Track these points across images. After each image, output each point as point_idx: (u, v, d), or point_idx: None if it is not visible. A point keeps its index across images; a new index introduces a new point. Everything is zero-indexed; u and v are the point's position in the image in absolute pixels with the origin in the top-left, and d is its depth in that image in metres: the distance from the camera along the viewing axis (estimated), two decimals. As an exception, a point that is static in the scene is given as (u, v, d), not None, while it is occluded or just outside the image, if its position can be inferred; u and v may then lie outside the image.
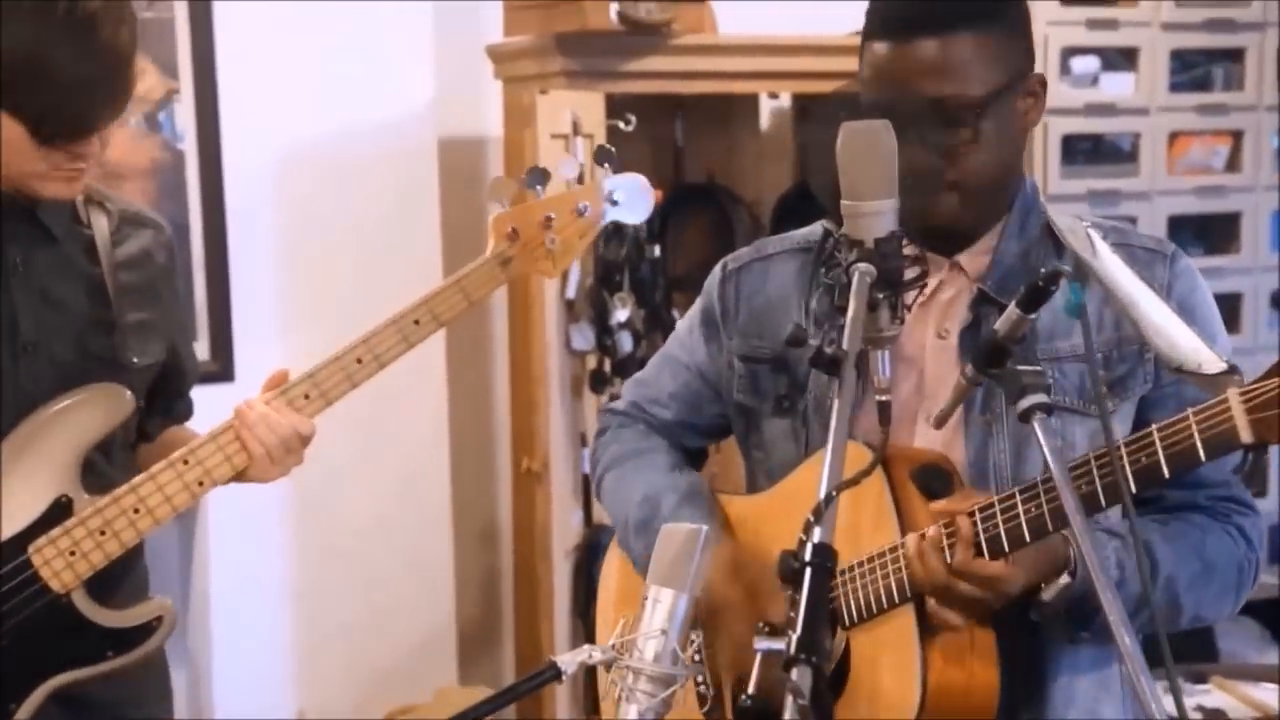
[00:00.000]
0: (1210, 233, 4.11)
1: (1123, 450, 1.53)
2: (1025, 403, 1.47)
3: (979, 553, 1.62)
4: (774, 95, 3.98)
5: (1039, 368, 1.50)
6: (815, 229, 1.92)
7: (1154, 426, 1.54)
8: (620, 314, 3.42)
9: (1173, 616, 1.73)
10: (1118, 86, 3.97)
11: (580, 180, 2.16)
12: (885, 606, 1.69)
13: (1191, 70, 4.05)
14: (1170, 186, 3.98)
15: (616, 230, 3.36)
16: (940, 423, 1.65)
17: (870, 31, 1.74)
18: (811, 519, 1.33)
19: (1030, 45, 1.77)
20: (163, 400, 2.19)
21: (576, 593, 3.52)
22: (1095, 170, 3.97)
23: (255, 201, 3.49)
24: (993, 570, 1.62)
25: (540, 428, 3.44)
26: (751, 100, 3.94)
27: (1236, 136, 4.06)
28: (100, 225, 2.07)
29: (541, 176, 2.17)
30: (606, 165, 2.19)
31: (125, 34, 1.88)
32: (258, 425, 2.02)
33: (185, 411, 2.26)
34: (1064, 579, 1.64)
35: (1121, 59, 3.97)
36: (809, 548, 1.31)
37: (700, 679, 1.82)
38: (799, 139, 3.99)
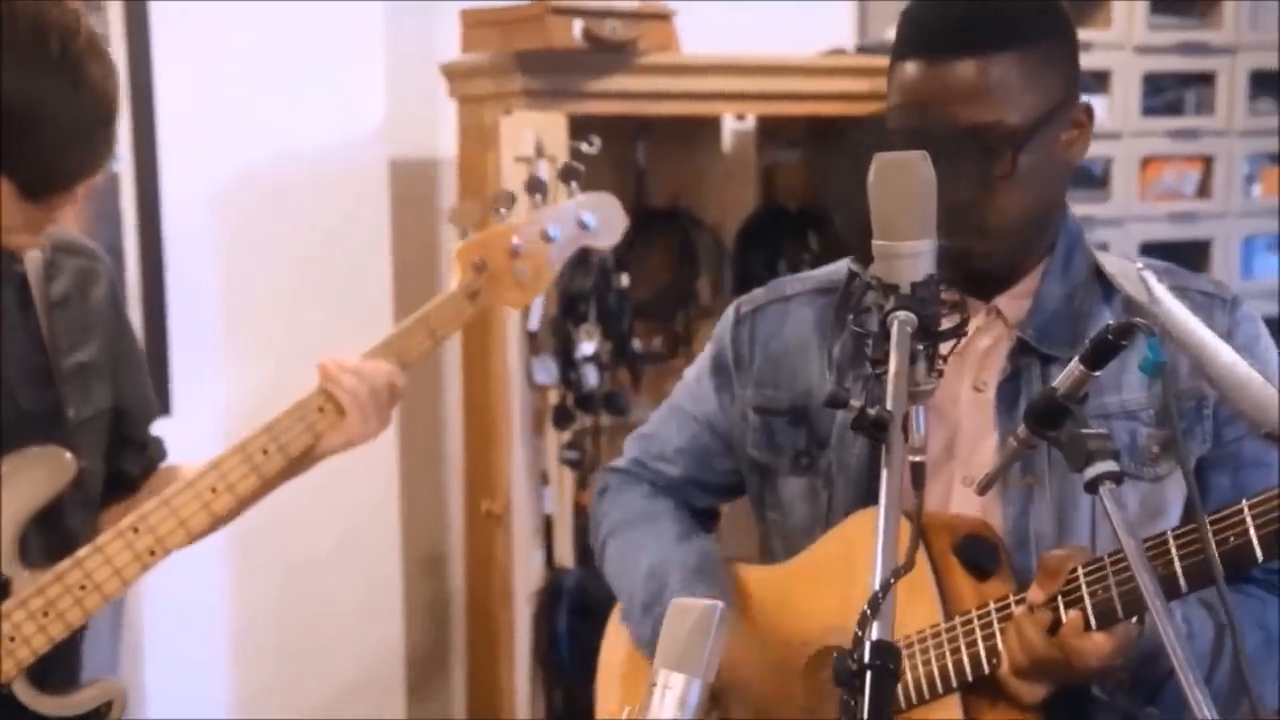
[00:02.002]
0: (1180, 259, 3.97)
1: (1208, 527, 1.39)
2: (1092, 471, 1.31)
3: (1087, 624, 1.47)
4: (740, 117, 3.84)
5: (1103, 430, 1.35)
6: (837, 268, 1.77)
7: (1245, 501, 1.39)
8: (586, 347, 3.25)
9: (1234, 693, 1.58)
10: (1089, 110, 3.88)
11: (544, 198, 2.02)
12: (927, 696, 1.54)
13: (1163, 94, 3.98)
14: (1143, 212, 3.91)
15: (582, 258, 3.20)
16: (985, 489, 1.49)
17: (901, 49, 1.58)
18: (868, 612, 1.16)
19: (1077, 69, 1.62)
20: (122, 447, 1.99)
21: (538, 637, 3.35)
22: (1068, 196, 3.86)
23: (195, 226, 3.32)
24: (1096, 644, 1.47)
25: (501, 466, 3.26)
26: (714, 122, 3.81)
27: (1207, 161, 3.99)
28: (32, 258, 1.87)
29: (508, 200, 2.02)
30: (574, 184, 2.05)
31: (112, 76, 1.70)
32: (344, 377, 1.87)
33: (156, 453, 2.05)
34: (1135, 628, 1.49)
35: (1094, 82, 3.87)
36: (868, 646, 1.15)
37: None
38: (763, 161, 3.88)
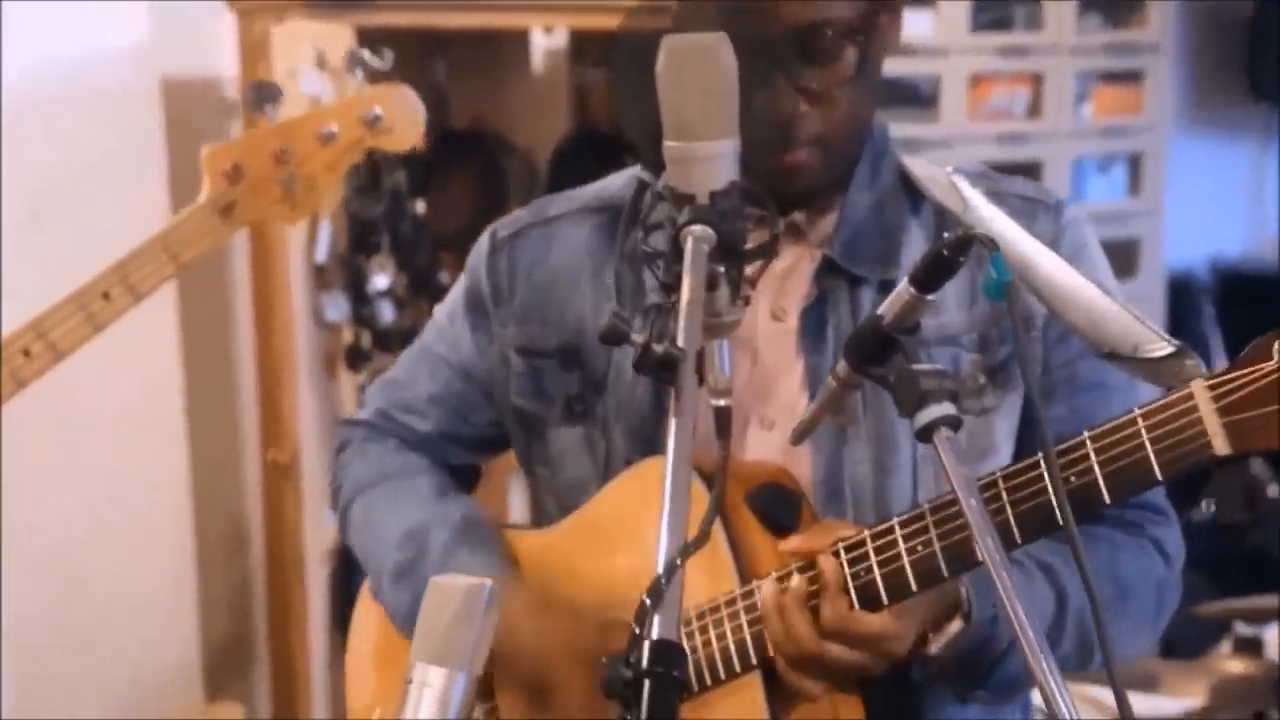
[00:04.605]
0: (1011, 182, 3.91)
1: (1045, 468, 1.19)
2: (926, 416, 1.10)
3: (852, 605, 1.26)
4: (548, 30, 3.61)
5: (940, 366, 1.14)
6: (610, 183, 1.53)
7: (1087, 434, 1.18)
8: (379, 280, 3.00)
9: (1083, 658, 1.39)
10: (916, 26, 3.72)
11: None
12: (724, 676, 1.33)
13: (991, 10, 3.83)
14: (972, 133, 3.77)
15: (372, 183, 2.93)
16: (800, 437, 1.28)
17: None
18: (647, 602, 0.93)
19: None
20: None
21: (335, 602, 3.11)
22: (894, 115, 3.71)
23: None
24: (874, 627, 1.26)
25: (287, 413, 2.99)
26: (522, 37, 3.58)
27: (1037, 80, 3.86)
28: None
29: (270, 94, 1.76)
30: (359, 73, 1.79)
31: None
32: None
33: None
34: (955, 625, 1.30)
35: (919, -5, 3.72)
36: (646, 648, 0.92)
37: None
38: (575, 79, 3.65)
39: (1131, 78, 3.94)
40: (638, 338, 1.07)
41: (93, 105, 3.10)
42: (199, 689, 3.38)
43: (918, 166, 1.41)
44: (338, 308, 3.06)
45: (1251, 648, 2.67)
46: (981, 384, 1.36)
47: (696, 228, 1.13)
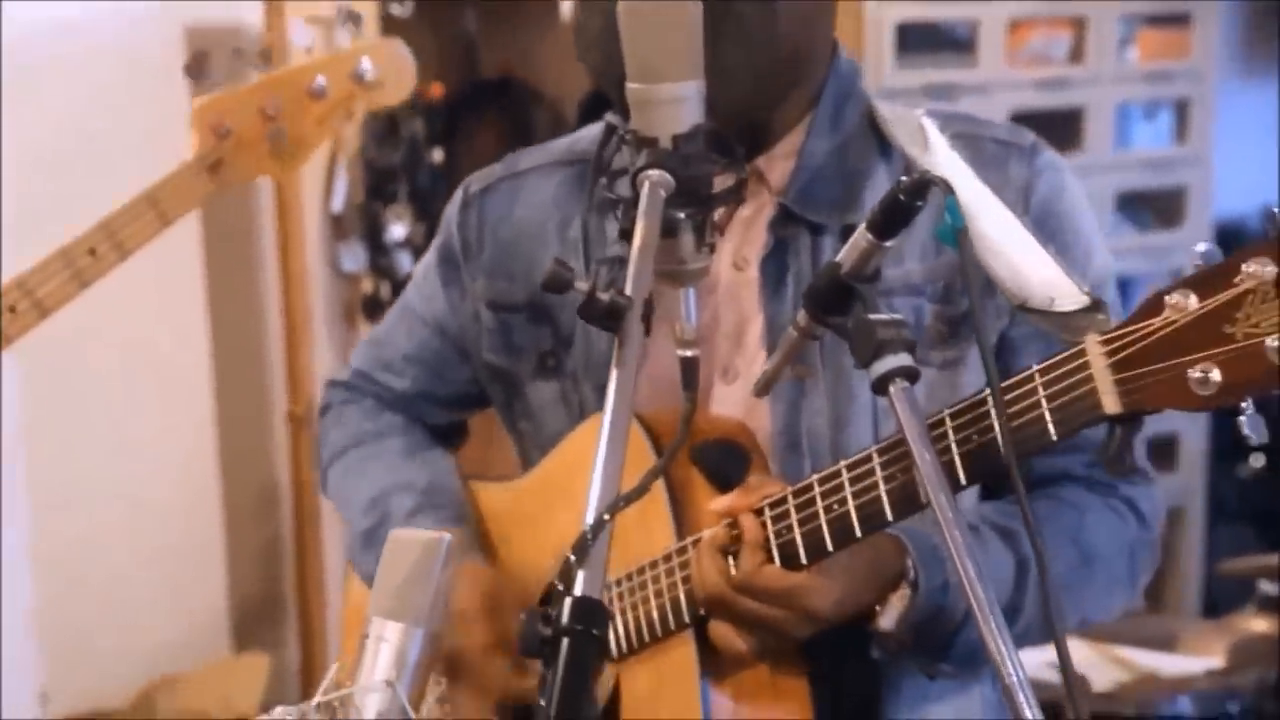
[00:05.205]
0: (1050, 129, 3.78)
1: (949, 426, 1.15)
2: (881, 367, 1.06)
3: (770, 560, 1.23)
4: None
5: (898, 316, 1.09)
6: (582, 136, 1.50)
7: (985, 391, 1.13)
8: (396, 230, 2.98)
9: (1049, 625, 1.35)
10: (952, -32, 3.64)
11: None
12: (660, 633, 1.31)
13: (1032, -50, 3.74)
14: (1011, 79, 3.68)
15: (389, 132, 2.91)
16: (764, 389, 1.24)
17: None
18: (572, 558, 0.90)
19: None
20: None
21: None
22: (929, 61, 3.64)
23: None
24: (783, 582, 1.23)
25: (305, 365, 2.98)
26: (553, -17, 3.54)
27: (1078, 24, 3.75)
28: None
29: (265, 51, 1.76)
30: (351, 27, 1.78)
31: None
32: None
33: None
34: (902, 595, 1.26)
35: (959, -63, 3.63)
36: (567, 606, 0.89)
37: None
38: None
39: (1178, 20, 3.83)
40: (581, 285, 1.03)
41: (116, 53, 3.09)
42: (226, 640, 3.40)
43: (887, 109, 1.36)
44: (355, 258, 3.04)
45: (1275, 606, 2.60)
46: (945, 334, 1.32)
47: (654, 172, 1.10)
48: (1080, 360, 1.09)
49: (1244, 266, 1.01)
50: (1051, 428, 1.11)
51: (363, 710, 1.13)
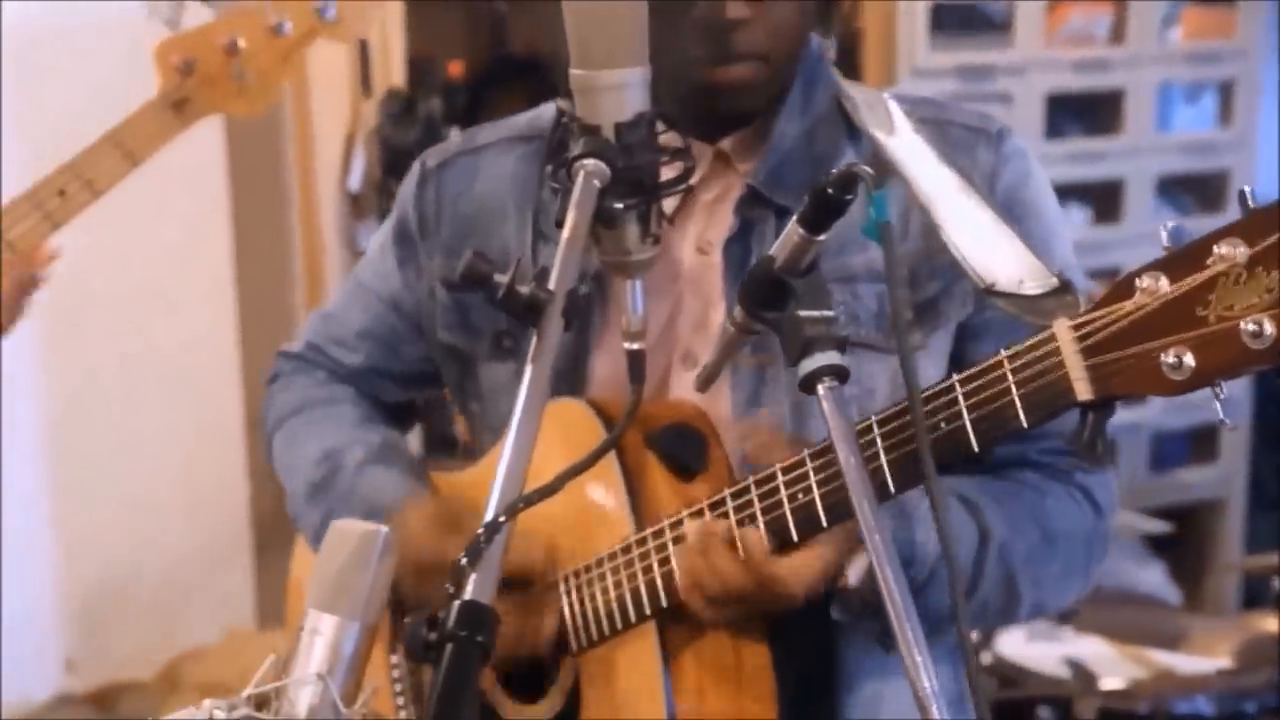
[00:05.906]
0: (1091, 111, 3.73)
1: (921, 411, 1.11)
2: (809, 365, 1.03)
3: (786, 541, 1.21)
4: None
5: (829, 313, 1.06)
6: (541, 112, 1.47)
7: (955, 377, 1.11)
8: (413, 209, 2.95)
9: (1009, 602, 1.32)
10: (988, -56, 3.57)
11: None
12: (620, 626, 1.29)
13: (1072, -74, 3.66)
14: (1049, 59, 3.60)
15: (407, 110, 2.89)
16: (706, 383, 1.21)
17: None
18: (464, 561, 0.88)
19: None
20: None
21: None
22: (964, 42, 3.57)
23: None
24: (799, 563, 1.21)
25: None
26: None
27: (1120, 2, 3.67)
28: None
29: None
30: None
31: None
32: None
33: None
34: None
35: (997, -87, 3.56)
36: (454, 610, 0.87)
37: None
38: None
39: (1224, -1, 3.75)
40: (501, 278, 1.01)
41: (116, 53, 3.08)
42: (251, 614, 3.42)
43: (854, 91, 1.33)
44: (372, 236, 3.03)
45: (1284, 604, 2.54)
46: (908, 321, 1.29)
47: (589, 162, 1.08)
48: (1050, 345, 1.07)
49: (1216, 248, 0.99)
50: (1022, 414, 1.09)
51: (295, 704, 1.12)
